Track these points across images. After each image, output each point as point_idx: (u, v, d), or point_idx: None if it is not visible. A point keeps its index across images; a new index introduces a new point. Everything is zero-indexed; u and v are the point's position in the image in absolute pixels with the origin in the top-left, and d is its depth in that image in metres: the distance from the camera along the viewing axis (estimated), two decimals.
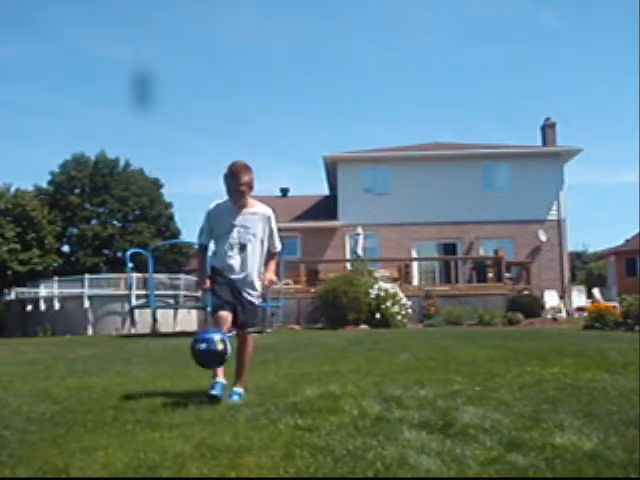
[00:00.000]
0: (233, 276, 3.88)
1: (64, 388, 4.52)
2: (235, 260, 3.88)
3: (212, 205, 3.99)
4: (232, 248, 3.88)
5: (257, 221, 3.95)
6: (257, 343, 4.06)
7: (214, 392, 3.70)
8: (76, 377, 5.26)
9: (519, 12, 59.56)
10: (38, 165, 66.74)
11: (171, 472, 2.25)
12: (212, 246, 4.08)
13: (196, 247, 4.01)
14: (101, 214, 35.09)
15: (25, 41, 56.47)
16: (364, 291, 15.60)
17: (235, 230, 3.89)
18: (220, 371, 3.80)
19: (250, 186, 3.87)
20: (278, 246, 4.13)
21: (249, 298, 3.94)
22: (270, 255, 4.10)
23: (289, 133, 72.23)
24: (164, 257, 31.30)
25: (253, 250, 3.92)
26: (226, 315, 3.77)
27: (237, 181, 3.80)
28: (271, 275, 4.07)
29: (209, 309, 3.97)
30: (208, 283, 3.89)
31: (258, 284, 3.98)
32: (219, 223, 3.94)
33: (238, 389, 3.87)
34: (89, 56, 58.64)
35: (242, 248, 3.89)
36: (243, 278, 3.89)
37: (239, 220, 3.91)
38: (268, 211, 4.04)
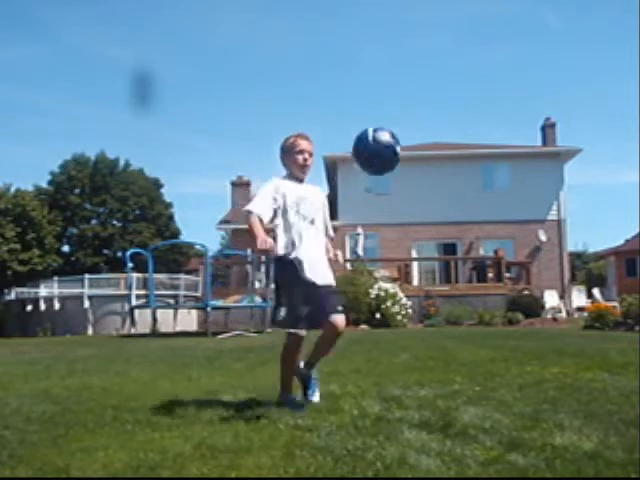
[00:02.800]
0: (307, 253, 3.37)
1: (64, 388, 4.52)
2: (308, 233, 3.44)
3: (276, 179, 3.54)
4: (304, 219, 3.45)
5: (319, 198, 3.62)
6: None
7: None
8: (76, 377, 5.26)
9: (519, 12, 59.59)
10: (38, 165, 66.97)
11: (171, 472, 2.25)
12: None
13: (249, 215, 3.41)
14: (101, 214, 35.16)
15: (25, 41, 56.54)
16: (364, 291, 15.61)
17: (304, 202, 3.48)
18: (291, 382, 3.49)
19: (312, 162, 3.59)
20: (331, 232, 3.77)
21: (329, 280, 3.43)
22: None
23: (289, 133, 72.08)
24: (164, 257, 31.32)
25: (320, 224, 3.56)
26: (303, 335, 3.28)
27: (309, 150, 3.50)
28: (336, 251, 3.70)
29: (271, 310, 3.59)
30: (269, 242, 3.25)
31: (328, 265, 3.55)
32: (286, 194, 3.45)
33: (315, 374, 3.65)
34: (89, 56, 58.74)
35: (312, 222, 3.49)
36: (318, 255, 3.45)
37: (304, 193, 3.52)
38: (324, 193, 3.74)
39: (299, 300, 3.31)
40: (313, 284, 3.32)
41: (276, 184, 3.47)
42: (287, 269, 3.37)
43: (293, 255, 3.36)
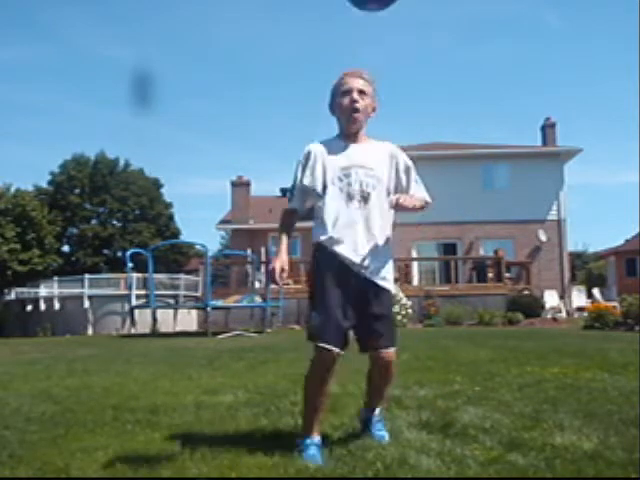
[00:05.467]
0: (356, 254, 2.49)
1: (64, 388, 4.52)
2: (357, 217, 2.51)
3: (312, 144, 2.60)
4: (350, 199, 2.50)
5: (381, 159, 2.61)
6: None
7: (309, 455, 2.38)
8: (76, 377, 5.26)
9: (520, 11, 59.58)
10: (38, 165, 67.05)
11: (171, 472, 2.25)
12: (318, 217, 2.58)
13: (282, 212, 2.64)
14: (101, 214, 35.21)
15: (26, 41, 56.54)
16: None
17: (351, 172, 2.52)
18: (316, 425, 2.50)
19: (369, 105, 2.56)
20: (426, 195, 2.80)
21: (383, 284, 2.57)
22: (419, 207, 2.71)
23: (289, 133, 72.27)
24: (164, 257, 31.32)
25: (379, 203, 2.55)
26: (334, 355, 2.42)
27: (357, 87, 2.52)
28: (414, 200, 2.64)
29: (313, 323, 2.49)
30: (283, 272, 2.46)
31: (391, 265, 2.65)
32: (326, 167, 2.54)
33: (377, 413, 2.78)
34: (89, 56, 58.72)
35: (364, 199, 2.52)
36: (371, 251, 2.51)
37: (355, 158, 2.55)
38: (394, 147, 2.69)
39: (336, 302, 2.44)
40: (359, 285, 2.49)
41: (308, 153, 2.56)
42: (323, 260, 2.50)
43: (334, 248, 2.49)
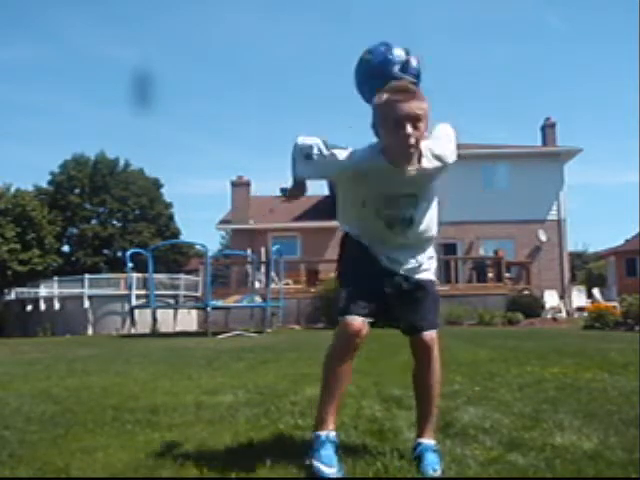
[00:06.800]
0: (389, 261, 2.30)
1: (64, 388, 4.51)
2: (393, 238, 2.29)
3: (358, 150, 2.25)
4: (391, 227, 2.26)
5: (430, 179, 2.28)
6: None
7: (323, 456, 2.13)
8: (76, 377, 5.26)
9: (520, 12, 59.58)
10: (38, 165, 67.03)
11: (171, 472, 2.24)
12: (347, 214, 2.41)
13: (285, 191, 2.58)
14: (101, 214, 35.24)
15: (26, 41, 56.54)
16: None
17: (397, 202, 2.24)
18: (332, 416, 2.24)
19: (423, 131, 2.16)
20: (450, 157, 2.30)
21: (424, 277, 2.33)
22: None
23: (289, 133, 72.22)
24: (164, 257, 31.33)
25: (422, 215, 2.29)
26: (360, 325, 2.20)
27: (416, 114, 2.09)
28: None
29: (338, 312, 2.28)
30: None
31: (432, 250, 2.40)
32: (367, 184, 2.22)
33: (431, 441, 2.32)
34: (89, 56, 58.74)
35: (409, 222, 2.27)
36: (406, 253, 2.31)
37: (401, 184, 2.22)
38: (447, 152, 2.29)
39: (361, 278, 2.28)
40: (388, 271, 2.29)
41: (358, 158, 2.21)
42: (348, 248, 2.39)
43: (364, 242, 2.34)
